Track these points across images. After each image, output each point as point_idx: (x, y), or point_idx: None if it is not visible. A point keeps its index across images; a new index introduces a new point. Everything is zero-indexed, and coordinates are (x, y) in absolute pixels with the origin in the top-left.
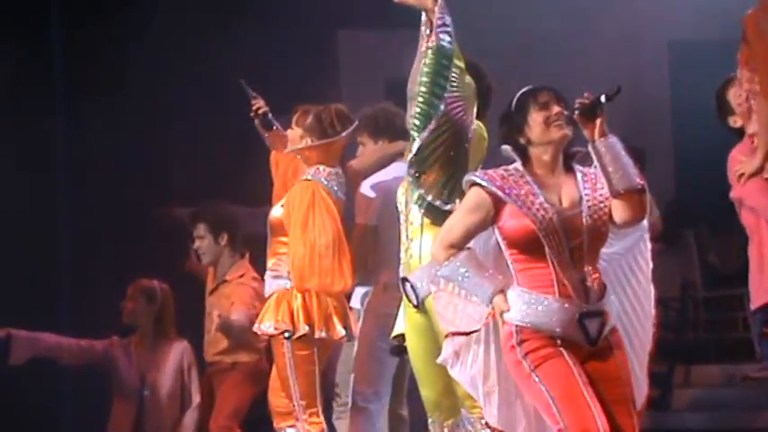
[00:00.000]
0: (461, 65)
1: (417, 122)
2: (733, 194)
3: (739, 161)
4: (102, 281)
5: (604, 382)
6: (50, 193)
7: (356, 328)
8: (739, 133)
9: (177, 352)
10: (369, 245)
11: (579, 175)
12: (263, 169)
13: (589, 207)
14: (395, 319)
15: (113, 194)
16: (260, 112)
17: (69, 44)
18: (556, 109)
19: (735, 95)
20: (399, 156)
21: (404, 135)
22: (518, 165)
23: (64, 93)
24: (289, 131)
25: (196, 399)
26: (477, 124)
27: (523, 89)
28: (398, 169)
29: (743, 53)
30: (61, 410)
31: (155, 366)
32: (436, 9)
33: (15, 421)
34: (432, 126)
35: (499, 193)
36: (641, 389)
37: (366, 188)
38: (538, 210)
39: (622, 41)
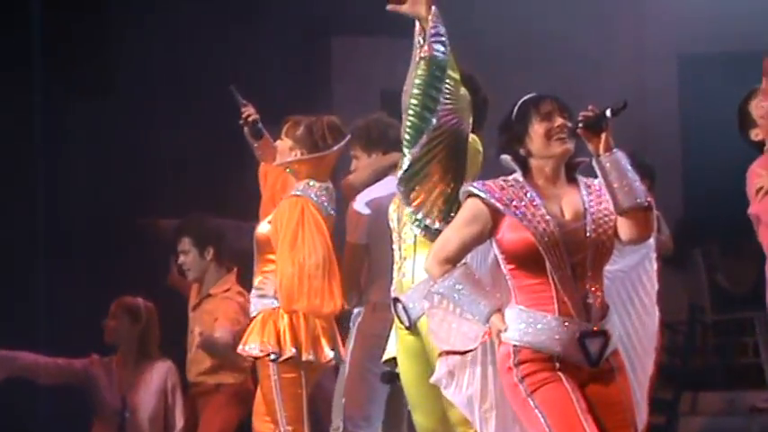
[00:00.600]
0: (456, 76)
1: (408, 137)
2: (751, 210)
3: (759, 175)
4: (80, 296)
5: (605, 407)
6: (28, 203)
7: (345, 350)
8: (759, 147)
9: (161, 372)
10: (360, 264)
11: (583, 187)
12: (252, 181)
13: (593, 220)
14: (385, 340)
15: (93, 205)
16: (249, 119)
17: (49, 44)
18: (559, 121)
19: (756, 107)
20: (394, 168)
21: (398, 146)
22: (518, 175)
23: (42, 98)
24: (278, 143)
25: (180, 422)
26: (472, 138)
27: (525, 97)
28: (391, 184)
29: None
30: (39, 431)
31: (137, 387)
32: (430, 18)
33: None
34: (423, 141)
35: (498, 204)
36: (641, 415)
37: (357, 204)
38: (539, 222)
39: (630, 54)
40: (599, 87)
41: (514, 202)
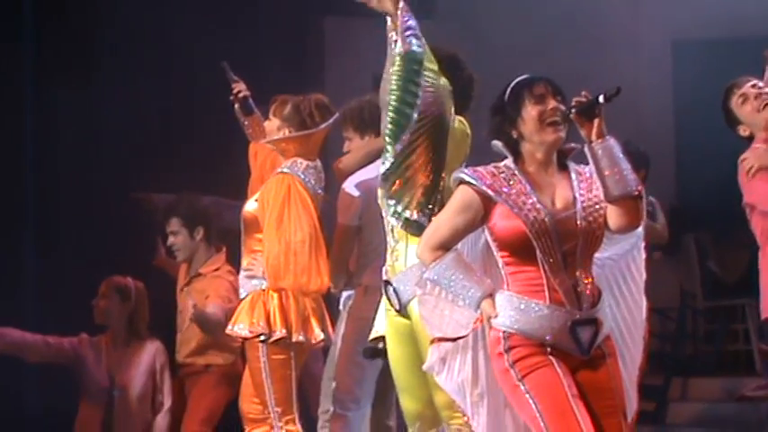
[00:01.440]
0: (434, 67)
1: (390, 133)
2: (745, 200)
3: (745, 159)
4: (68, 275)
5: (595, 392)
6: (16, 183)
7: (334, 332)
8: (750, 142)
9: (149, 353)
10: (351, 246)
11: (574, 175)
12: (241, 160)
13: (584, 209)
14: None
15: (81, 184)
16: (240, 95)
17: (40, 27)
18: (552, 103)
19: (736, 105)
20: None
21: None
22: (509, 162)
23: (31, 79)
24: (266, 122)
25: (168, 402)
26: (459, 120)
27: (518, 79)
28: None
29: None
30: (25, 410)
31: (126, 367)
32: (399, 13)
33: None
34: (406, 137)
35: (489, 192)
36: (631, 402)
37: (349, 186)
38: (530, 210)
39: (624, 41)
40: (593, 74)
41: (505, 190)
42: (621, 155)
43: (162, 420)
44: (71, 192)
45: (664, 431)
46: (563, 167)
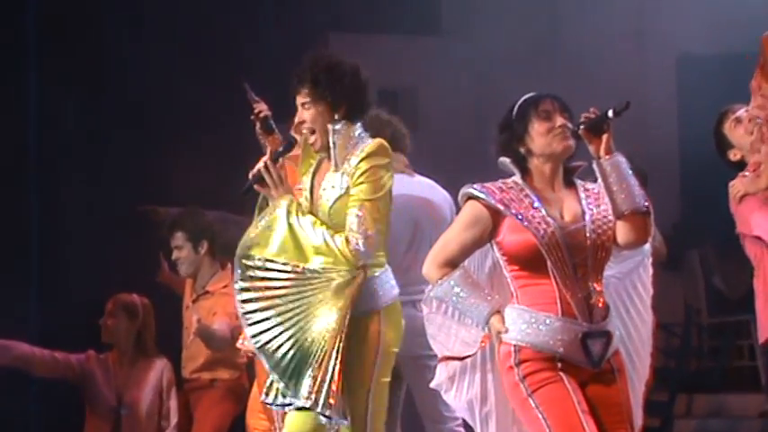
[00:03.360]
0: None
1: None
2: (737, 227)
3: (733, 186)
4: (73, 292)
5: (605, 407)
6: (21, 201)
7: None
8: (739, 167)
9: (157, 370)
10: None
11: (581, 190)
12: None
13: (593, 221)
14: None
15: (86, 199)
16: (261, 115)
17: (44, 30)
18: (559, 120)
19: (729, 129)
20: None
21: (391, 147)
22: (517, 177)
23: (36, 89)
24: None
25: (174, 419)
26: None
27: (525, 96)
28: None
29: (755, 78)
30: (29, 425)
31: (133, 385)
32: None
33: None
34: None
35: (498, 206)
36: (636, 419)
37: None
38: (539, 223)
39: (630, 55)
40: (598, 88)
41: (514, 204)
42: (630, 171)
43: None
44: (75, 207)
45: None
46: (570, 184)
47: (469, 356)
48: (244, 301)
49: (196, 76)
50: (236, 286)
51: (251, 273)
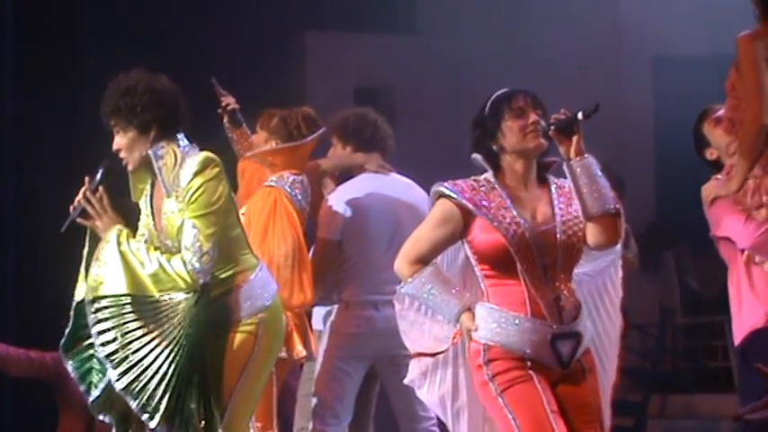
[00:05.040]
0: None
1: None
2: (711, 231)
3: (705, 189)
4: (49, 289)
5: (575, 407)
6: None
7: (316, 347)
8: (715, 166)
9: None
10: (330, 260)
11: (554, 188)
12: (231, 174)
13: (563, 222)
14: (357, 338)
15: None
16: (228, 108)
17: (21, 30)
18: (532, 117)
19: (708, 129)
20: (361, 168)
21: (368, 146)
22: (489, 175)
23: (13, 85)
24: (254, 136)
25: None
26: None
27: (498, 92)
28: (367, 183)
29: (730, 78)
30: (3, 423)
31: None
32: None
33: None
34: None
35: (469, 205)
36: (605, 420)
37: (332, 201)
38: (509, 224)
39: (605, 56)
40: (574, 88)
41: (485, 203)
42: (600, 172)
43: None
44: (52, 201)
45: None
46: (543, 181)
47: (441, 353)
48: (103, 345)
49: (169, 73)
50: (93, 330)
51: (101, 315)
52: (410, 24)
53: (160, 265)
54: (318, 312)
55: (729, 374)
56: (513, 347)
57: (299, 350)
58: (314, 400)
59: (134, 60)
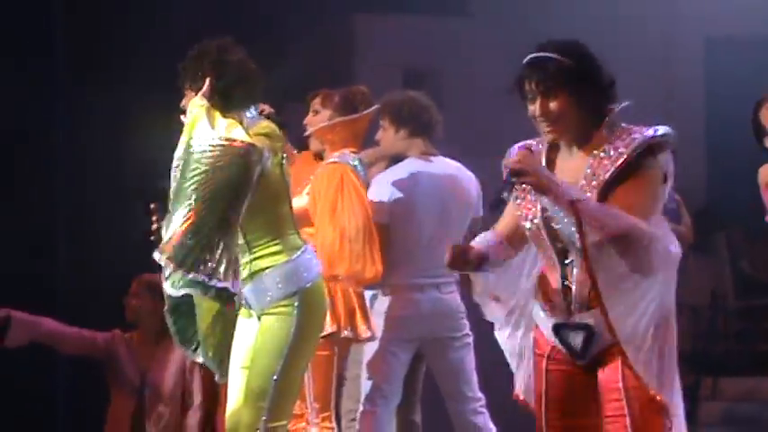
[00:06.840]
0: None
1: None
2: (767, 214)
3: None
4: (100, 274)
5: (602, 393)
6: (48, 180)
7: (376, 328)
8: None
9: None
10: (380, 244)
11: (590, 160)
12: None
13: None
14: (404, 321)
15: (112, 182)
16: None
17: (70, 22)
18: (537, 109)
19: (764, 116)
20: (412, 150)
21: (425, 131)
22: (544, 139)
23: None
24: (311, 117)
25: (197, 399)
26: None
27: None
28: (412, 166)
29: None
30: (57, 400)
31: (157, 365)
32: None
33: (10, 408)
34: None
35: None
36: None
37: (380, 185)
38: (529, 207)
39: (658, 37)
40: (626, 70)
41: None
42: (602, 209)
43: (192, 418)
44: (101, 191)
45: (695, 431)
46: (599, 142)
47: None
48: None
49: None
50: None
51: None
52: (461, 7)
53: None
54: (365, 296)
55: None
56: (541, 328)
57: (363, 331)
58: (364, 383)
59: (177, 49)
